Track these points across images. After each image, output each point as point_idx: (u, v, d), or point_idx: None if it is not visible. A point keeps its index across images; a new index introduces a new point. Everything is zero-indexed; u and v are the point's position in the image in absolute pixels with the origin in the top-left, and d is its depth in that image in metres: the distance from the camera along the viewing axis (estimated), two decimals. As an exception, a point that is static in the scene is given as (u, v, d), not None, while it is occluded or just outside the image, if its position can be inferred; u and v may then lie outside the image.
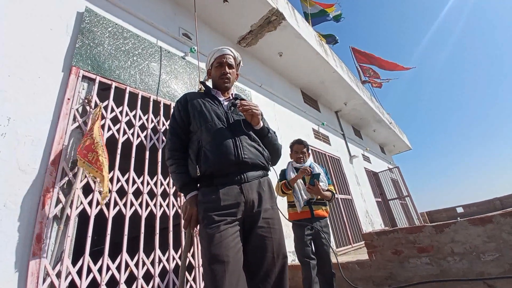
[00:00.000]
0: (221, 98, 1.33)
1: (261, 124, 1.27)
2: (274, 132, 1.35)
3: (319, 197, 2.19)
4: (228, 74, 1.34)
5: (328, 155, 5.96)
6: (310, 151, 2.52)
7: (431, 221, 11.16)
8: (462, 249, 2.15)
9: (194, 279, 2.30)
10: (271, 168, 1.29)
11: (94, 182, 1.97)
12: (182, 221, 2.41)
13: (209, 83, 1.49)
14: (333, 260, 2.17)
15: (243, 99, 1.35)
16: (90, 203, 1.91)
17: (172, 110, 2.80)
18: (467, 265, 2.11)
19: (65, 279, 1.65)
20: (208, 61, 1.40)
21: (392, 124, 10.74)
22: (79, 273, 1.73)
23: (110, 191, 2.04)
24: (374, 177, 8.64)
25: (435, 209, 12.22)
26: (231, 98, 1.37)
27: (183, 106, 1.28)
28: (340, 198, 5.55)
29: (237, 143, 1.13)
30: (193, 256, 2.40)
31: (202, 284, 2.33)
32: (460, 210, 11.32)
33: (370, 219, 6.56)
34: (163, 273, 2.12)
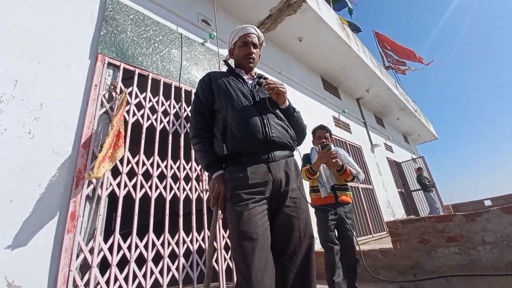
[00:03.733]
0: (245, 77, 1.30)
1: (287, 103, 1.24)
2: (299, 112, 1.32)
3: (344, 181, 2.15)
4: (253, 54, 1.30)
5: (349, 144, 5.81)
6: (332, 137, 2.46)
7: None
8: (493, 238, 2.07)
9: (216, 261, 2.36)
10: (296, 149, 1.27)
11: (122, 165, 2.05)
12: (205, 205, 2.47)
13: (231, 63, 1.46)
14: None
15: (267, 78, 1.32)
16: (118, 185, 2.00)
17: (193, 95, 2.83)
18: (497, 254, 2.03)
19: (98, 255, 1.75)
20: (231, 40, 1.35)
21: (418, 112, 10.23)
22: (110, 250, 1.82)
23: (136, 174, 2.11)
24: (396, 167, 8.36)
25: (462, 202, 11.67)
26: (255, 76, 1.34)
27: (207, 85, 1.26)
28: (361, 188, 5.42)
29: (265, 121, 1.11)
30: (215, 238, 2.46)
31: (225, 266, 2.39)
32: (488, 203, 10.73)
33: (392, 210, 6.39)
34: (187, 253, 2.19)
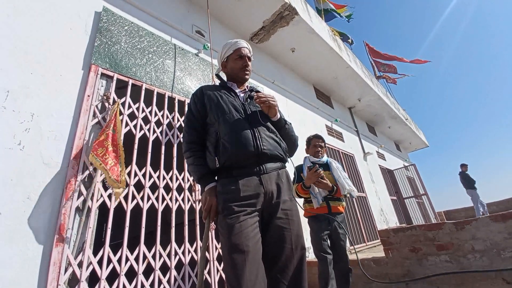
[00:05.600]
0: (237, 90, 1.33)
1: (278, 115, 1.27)
2: (290, 124, 1.34)
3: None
4: (249, 67, 1.35)
5: (342, 152, 5.87)
6: (326, 147, 2.49)
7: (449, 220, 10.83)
8: (483, 246, 2.10)
9: (209, 272, 2.34)
10: (289, 159, 1.29)
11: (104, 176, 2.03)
12: (198, 216, 2.46)
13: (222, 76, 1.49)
14: (353, 256, 2.15)
15: (258, 91, 1.35)
16: (109, 196, 1.97)
17: (186, 106, 2.85)
18: (487, 262, 2.06)
19: (87, 268, 1.71)
20: (223, 53, 1.38)
21: (408, 120, 10.44)
22: (100, 263, 1.79)
23: (127, 185, 2.10)
24: (389, 175, 8.45)
25: (454, 209, 11.83)
26: (246, 90, 1.37)
27: (199, 99, 1.28)
28: (352, 197, 5.45)
29: (256, 134, 1.13)
30: (207, 250, 2.44)
31: (218, 278, 2.36)
32: (480, 209, 10.92)
33: (385, 217, 6.43)
34: (179, 265, 2.16)
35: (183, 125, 2.73)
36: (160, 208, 2.24)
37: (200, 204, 2.27)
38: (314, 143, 2.37)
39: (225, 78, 1.44)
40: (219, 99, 1.23)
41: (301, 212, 2.10)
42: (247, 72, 1.35)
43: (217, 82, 1.46)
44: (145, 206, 2.14)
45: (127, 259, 1.91)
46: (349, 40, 9.05)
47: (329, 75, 6.14)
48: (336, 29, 8.33)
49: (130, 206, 2.07)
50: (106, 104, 2.21)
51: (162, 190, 2.31)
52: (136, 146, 2.30)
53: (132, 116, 2.38)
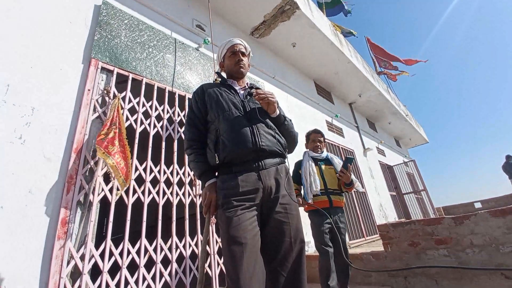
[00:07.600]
0: (237, 87, 1.34)
1: (278, 112, 1.27)
2: (290, 120, 1.35)
3: (336, 186, 2.19)
4: (243, 61, 1.36)
5: (342, 148, 5.88)
6: (325, 142, 2.50)
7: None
8: (481, 241, 2.11)
9: (209, 266, 2.36)
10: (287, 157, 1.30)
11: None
12: (198, 210, 2.47)
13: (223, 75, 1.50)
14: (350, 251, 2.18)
15: (258, 88, 1.35)
16: (110, 190, 1.98)
17: (186, 100, 2.84)
18: (486, 257, 2.07)
19: (89, 261, 1.73)
20: (220, 54, 1.43)
21: (408, 116, 10.43)
22: (102, 256, 1.81)
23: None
24: (388, 171, 8.47)
25: (452, 204, 11.90)
26: (246, 87, 1.38)
27: (200, 97, 1.30)
28: (354, 191, 5.48)
29: (255, 131, 1.14)
30: (208, 244, 2.46)
31: (218, 271, 2.39)
32: (478, 205, 10.98)
33: (384, 213, 6.47)
34: (180, 258, 2.18)
35: (183, 119, 2.74)
36: (161, 202, 2.25)
37: (201, 198, 2.28)
38: (313, 138, 2.39)
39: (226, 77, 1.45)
40: (219, 97, 1.25)
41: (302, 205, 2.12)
42: (242, 65, 1.36)
43: (218, 79, 1.47)
44: (146, 200, 2.16)
45: (128, 252, 1.93)
46: (354, 33, 8.89)
47: (330, 71, 6.11)
48: (338, 26, 8.23)
49: (131, 200, 2.08)
50: (107, 98, 2.20)
51: (162, 185, 2.32)
52: (136, 140, 2.31)
53: (132, 111, 2.38)
